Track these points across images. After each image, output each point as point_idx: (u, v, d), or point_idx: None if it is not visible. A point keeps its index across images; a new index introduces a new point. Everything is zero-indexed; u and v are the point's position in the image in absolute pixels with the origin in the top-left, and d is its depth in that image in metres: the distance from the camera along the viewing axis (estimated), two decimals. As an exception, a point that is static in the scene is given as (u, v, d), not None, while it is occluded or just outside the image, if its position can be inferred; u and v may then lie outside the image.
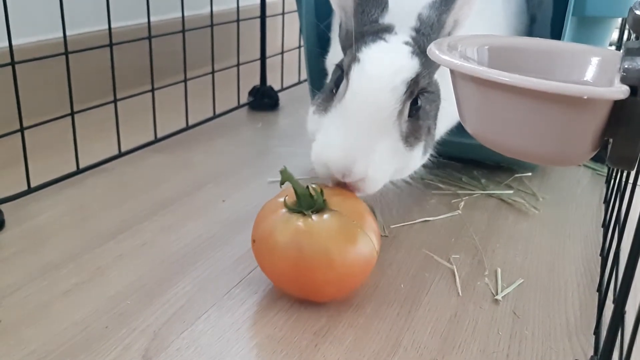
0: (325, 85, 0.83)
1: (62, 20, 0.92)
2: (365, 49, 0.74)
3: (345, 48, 0.80)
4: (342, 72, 0.76)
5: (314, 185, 0.69)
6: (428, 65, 0.74)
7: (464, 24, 0.77)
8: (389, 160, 0.73)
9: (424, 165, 0.83)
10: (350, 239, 0.66)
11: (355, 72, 0.73)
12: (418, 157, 0.77)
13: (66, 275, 0.73)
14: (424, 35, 0.75)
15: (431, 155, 0.83)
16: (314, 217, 0.66)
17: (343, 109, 0.73)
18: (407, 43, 0.75)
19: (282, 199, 0.69)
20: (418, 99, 0.74)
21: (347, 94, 0.73)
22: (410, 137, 0.74)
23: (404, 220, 0.89)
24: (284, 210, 0.68)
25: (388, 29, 0.77)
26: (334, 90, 0.77)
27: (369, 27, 0.77)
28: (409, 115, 0.73)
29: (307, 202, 0.67)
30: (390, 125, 0.72)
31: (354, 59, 0.74)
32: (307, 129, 0.81)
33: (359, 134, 0.71)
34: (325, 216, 0.67)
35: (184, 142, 1.17)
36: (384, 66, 0.72)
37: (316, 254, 0.64)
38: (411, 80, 0.72)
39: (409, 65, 0.73)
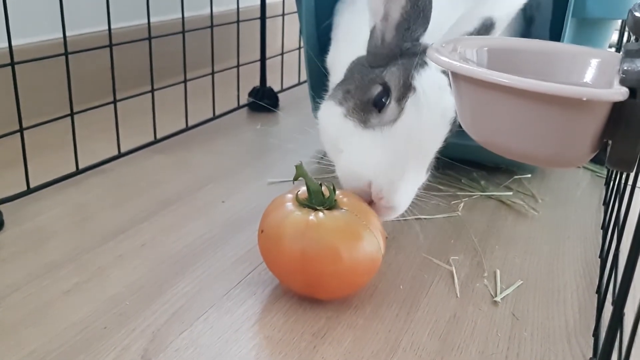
0: (351, 87, 0.81)
1: (62, 20, 0.92)
2: (417, 76, 0.74)
3: (376, 56, 0.79)
4: (383, 89, 0.76)
5: (326, 183, 0.70)
6: None
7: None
8: (416, 189, 0.77)
9: None
10: (358, 237, 0.66)
11: (412, 103, 0.73)
12: (427, 175, 0.80)
13: (66, 276, 0.73)
14: None
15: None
16: (324, 212, 0.67)
17: (394, 135, 0.74)
18: (444, 72, 0.75)
19: (292, 195, 0.70)
20: None
21: (401, 123, 0.74)
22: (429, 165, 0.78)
23: (404, 222, 0.89)
24: (295, 204, 0.69)
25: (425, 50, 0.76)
26: (373, 104, 0.76)
27: (410, 45, 0.76)
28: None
29: (319, 199, 0.68)
30: (431, 160, 0.76)
31: (410, 88, 0.74)
32: (328, 130, 0.81)
33: (406, 165, 0.73)
34: (336, 213, 0.68)
35: (183, 143, 1.17)
36: (438, 103, 0.73)
37: (323, 247, 0.65)
38: (454, 118, 0.74)
39: (452, 101, 0.73)
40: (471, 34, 0.76)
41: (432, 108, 0.73)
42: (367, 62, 0.80)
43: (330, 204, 0.69)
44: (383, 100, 0.75)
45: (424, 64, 0.75)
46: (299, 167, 0.68)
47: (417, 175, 0.76)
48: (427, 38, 0.77)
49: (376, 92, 0.76)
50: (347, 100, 0.79)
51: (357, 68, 0.83)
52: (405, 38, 0.76)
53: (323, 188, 0.69)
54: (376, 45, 0.79)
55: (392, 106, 0.75)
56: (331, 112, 0.81)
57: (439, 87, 0.74)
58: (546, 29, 1.06)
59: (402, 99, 0.74)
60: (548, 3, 1.06)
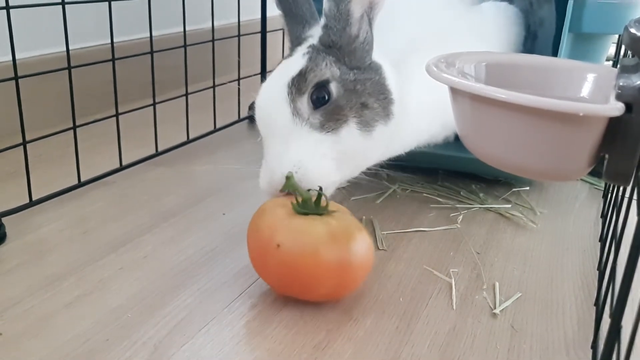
0: None
1: (65, 34, 0.93)
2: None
3: None
4: None
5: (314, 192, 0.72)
6: (330, 55, 0.78)
7: (383, 7, 0.79)
8: (309, 151, 0.75)
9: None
10: (352, 238, 0.69)
11: None
12: (355, 133, 0.77)
13: (68, 288, 0.73)
14: (330, 28, 0.78)
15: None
16: (332, 218, 0.70)
17: None
18: (309, 46, 0.79)
19: (283, 205, 0.71)
20: (324, 88, 0.76)
21: None
22: (330, 122, 0.76)
23: (404, 234, 0.90)
24: (293, 212, 0.70)
25: (303, 40, 0.83)
26: None
27: (295, 43, 0.84)
28: (316, 107, 0.76)
29: (311, 206, 0.70)
30: (289, 127, 0.76)
31: None
32: None
33: (267, 150, 0.78)
34: (341, 215, 0.71)
35: (184, 156, 1.18)
36: (265, 85, 0.80)
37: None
38: (292, 79, 0.76)
39: (291, 69, 0.77)
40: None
41: (260, 94, 0.80)
42: None
43: (325, 208, 0.71)
44: None
45: (288, 57, 0.82)
46: (290, 178, 0.70)
47: (289, 144, 0.76)
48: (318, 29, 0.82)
49: None
50: None
51: None
52: (292, 40, 0.86)
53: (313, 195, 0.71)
54: None
55: None
56: None
57: (283, 65, 0.80)
58: (549, 45, 1.07)
59: None
60: (551, 19, 1.07)
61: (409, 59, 0.84)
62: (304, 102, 0.76)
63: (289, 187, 0.70)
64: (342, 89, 0.77)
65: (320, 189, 0.71)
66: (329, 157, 0.76)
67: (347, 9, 0.76)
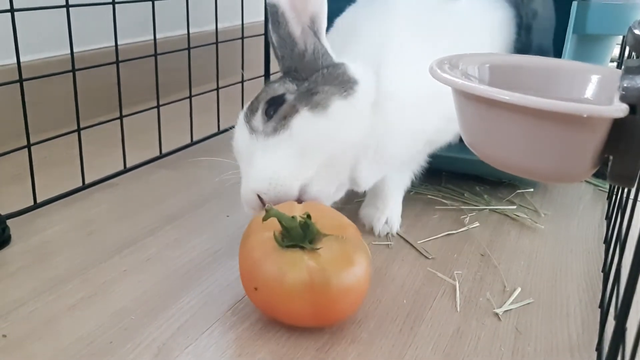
0: None
1: (69, 37, 0.93)
2: None
3: None
4: None
5: (299, 218, 0.67)
6: (288, 78, 0.82)
7: (323, 22, 0.81)
8: (268, 157, 0.76)
9: None
10: (359, 260, 0.66)
11: None
12: (308, 117, 0.77)
13: (72, 290, 0.73)
14: (283, 57, 0.83)
15: None
16: (317, 250, 0.65)
17: None
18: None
19: (264, 234, 0.67)
20: (278, 102, 0.78)
21: None
22: (281, 121, 0.77)
23: (408, 236, 0.90)
24: (276, 246, 0.66)
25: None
26: None
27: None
28: (269, 117, 0.78)
29: (299, 234, 0.66)
30: (249, 145, 0.78)
31: None
32: None
33: (242, 170, 0.80)
34: (329, 244, 0.66)
35: (188, 158, 1.18)
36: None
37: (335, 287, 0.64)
38: (247, 106, 0.82)
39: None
40: None
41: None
42: None
43: (312, 236, 0.66)
44: None
45: None
46: (270, 210, 0.65)
47: (253, 158, 0.77)
48: None
49: None
50: None
51: None
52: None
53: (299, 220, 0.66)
54: None
55: None
56: None
57: None
58: (548, 39, 1.06)
59: None
60: (547, 14, 1.07)
61: (387, 57, 0.84)
62: (258, 118, 0.79)
63: (270, 216, 0.65)
64: (298, 94, 0.79)
65: (309, 216, 0.66)
66: (290, 156, 0.75)
67: (287, 32, 0.80)
